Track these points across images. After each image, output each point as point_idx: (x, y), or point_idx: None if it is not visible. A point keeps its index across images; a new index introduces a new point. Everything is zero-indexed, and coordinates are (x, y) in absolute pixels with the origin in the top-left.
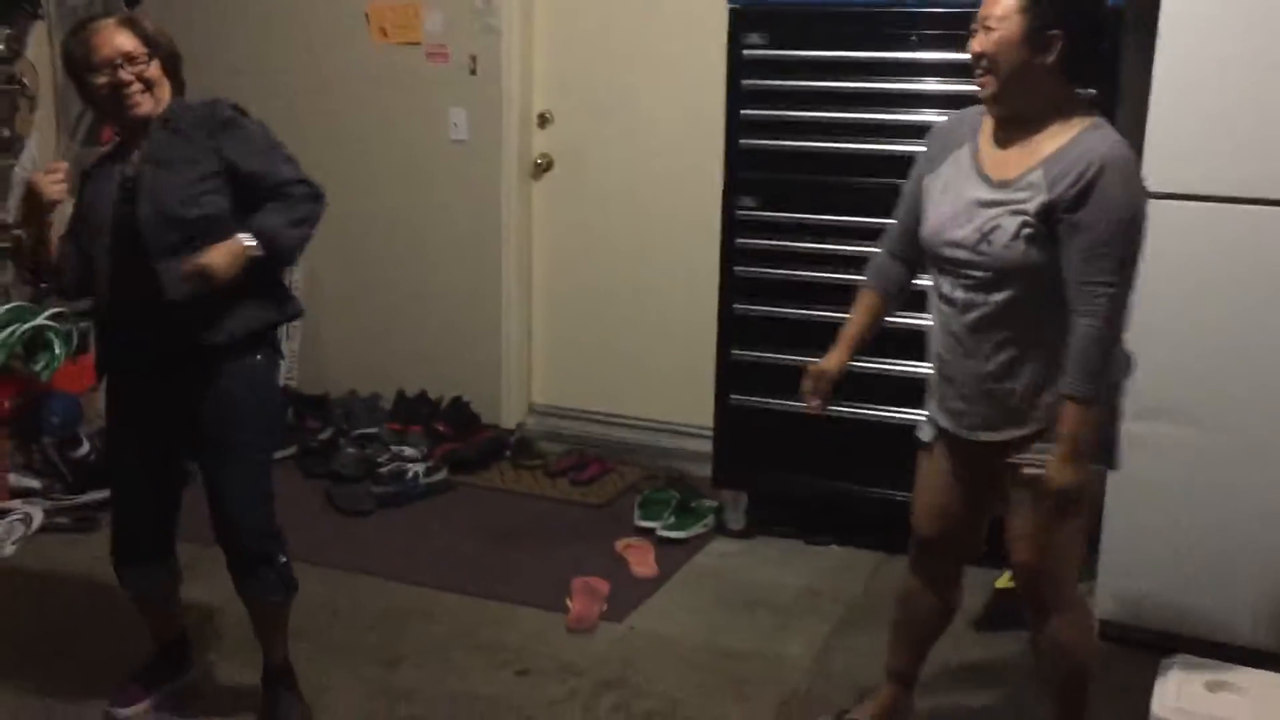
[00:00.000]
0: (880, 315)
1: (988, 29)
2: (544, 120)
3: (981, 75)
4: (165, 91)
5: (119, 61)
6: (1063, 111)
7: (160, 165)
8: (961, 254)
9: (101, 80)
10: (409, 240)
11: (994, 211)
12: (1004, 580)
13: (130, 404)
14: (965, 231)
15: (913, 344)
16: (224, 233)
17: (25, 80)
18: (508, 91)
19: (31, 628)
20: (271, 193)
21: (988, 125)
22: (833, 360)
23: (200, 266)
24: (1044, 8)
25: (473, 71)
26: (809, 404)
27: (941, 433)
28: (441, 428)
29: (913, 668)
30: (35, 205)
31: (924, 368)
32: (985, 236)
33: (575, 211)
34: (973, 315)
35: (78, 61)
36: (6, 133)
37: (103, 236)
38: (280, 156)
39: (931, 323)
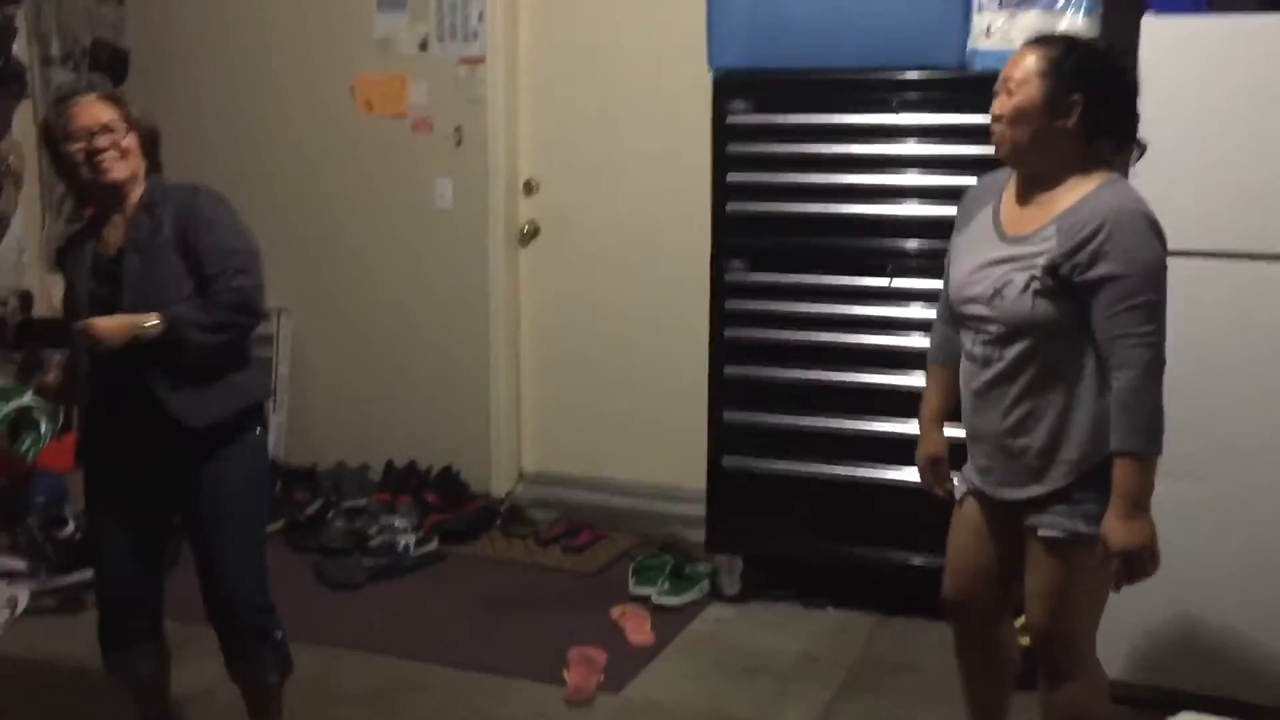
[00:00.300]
0: (953, 385)
1: (1009, 92)
2: (530, 188)
3: (1001, 136)
4: (140, 166)
5: (96, 130)
6: (1082, 169)
7: (144, 254)
8: (978, 310)
9: (76, 147)
10: (396, 310)
11: (1006, 267)
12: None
13: (114, 482)
14: (981, 288)
15: (903, 404)
16: None
17: (11, 159)
18: (493, 160)
19: (19, 714)
20: (210, 292)
21: (1012, 184)
22: (933, 445)
23: (86, 327)
24: (1064, 73)
25: (458, 142)
26: (936, 492)
27: (974, 491)
28: (431, 498)
29: None
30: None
31: (915, 428)
32: (998, 292)
33: (563, 278)
34: (990, 371)
35: (55, 131)
36: None
37: (80, 318)
38: (240, 263)
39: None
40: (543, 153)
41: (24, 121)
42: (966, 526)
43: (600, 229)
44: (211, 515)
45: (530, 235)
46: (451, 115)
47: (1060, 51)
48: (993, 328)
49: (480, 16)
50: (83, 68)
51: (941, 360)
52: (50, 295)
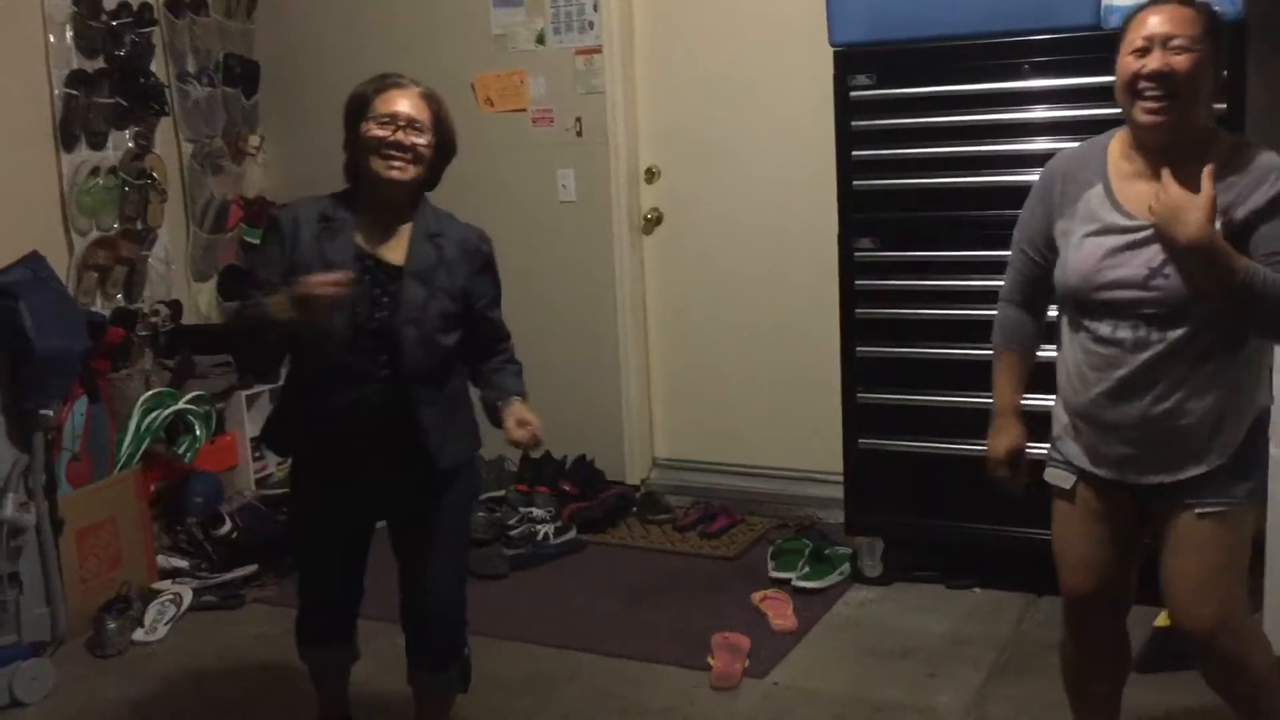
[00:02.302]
0: (1026, 372)
1: (1179, 49)
2: (651, 175)
3: (1163, 98)
4: (421, 177)
5: (404, 122)
6: (1204, 134)
7: (428, 287)
8: (1128, 294)
9: (378, 131)
10: (525, 302)
11: (1157, 247)
12: (1164, 618)
13: (330, 498)
14: (1127, 271)
15: (1041, 377)
16: (454, 364)
17: (155, 174)
18: (614, 150)
19: (192, 709)
20: (491, 344)
21: (1115, 161)
22: (1013, 436)
23: (537, 437)
24: (1221, 32)
25: (578, 133)
26: (1013, 488)
27: (1086, 478)
28: (567, 487)
29: None
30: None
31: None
32: (1156, 271)
33: (688, 263)
34: (1146, 354)
35: (365, 105)
36: (140, 225)
37: (340, 330)
38: (499, 306)
39: (1070, 365)
40: (663, 139)
41: (165, 137)
42: (1085, 517)
43: (724, 213)
44: (432, 529)
45: (654, 222)
46: (571, 107)
47: (1213, 13)
48: (1149, 310)
49: (595, 6)
50: (217, 82)
51: (1012, 348)
52: (198, 303)
